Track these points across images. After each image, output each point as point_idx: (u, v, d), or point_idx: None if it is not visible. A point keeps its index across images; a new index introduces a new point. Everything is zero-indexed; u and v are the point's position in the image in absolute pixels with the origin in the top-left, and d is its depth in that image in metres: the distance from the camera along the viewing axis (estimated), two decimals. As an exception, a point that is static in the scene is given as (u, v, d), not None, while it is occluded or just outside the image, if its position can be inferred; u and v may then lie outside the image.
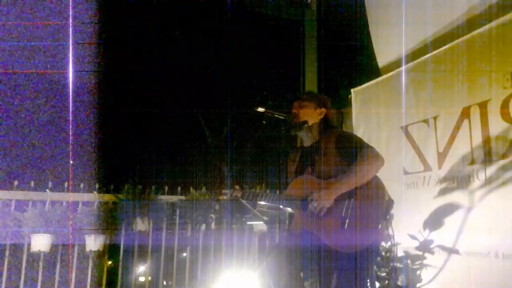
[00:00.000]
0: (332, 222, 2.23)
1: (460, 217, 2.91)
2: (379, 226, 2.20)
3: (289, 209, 2.46)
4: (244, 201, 2.56)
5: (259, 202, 2.48)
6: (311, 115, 2.49)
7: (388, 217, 2.28)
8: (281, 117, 2.50)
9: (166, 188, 4.02)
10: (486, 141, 2.80)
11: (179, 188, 4.05)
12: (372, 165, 2.21)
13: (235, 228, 3.96)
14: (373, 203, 2.20)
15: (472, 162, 2.89)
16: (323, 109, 2.52)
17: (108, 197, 3.73)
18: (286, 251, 2.42)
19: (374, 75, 4.09)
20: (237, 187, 2.53)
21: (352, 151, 2.27)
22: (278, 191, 2.45)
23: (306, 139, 2.52)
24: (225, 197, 2.54)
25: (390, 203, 2.25)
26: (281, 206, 2.45)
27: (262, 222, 3.79)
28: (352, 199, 2.21)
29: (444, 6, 3.42)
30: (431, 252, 3.09)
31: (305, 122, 2.46)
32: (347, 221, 2.19)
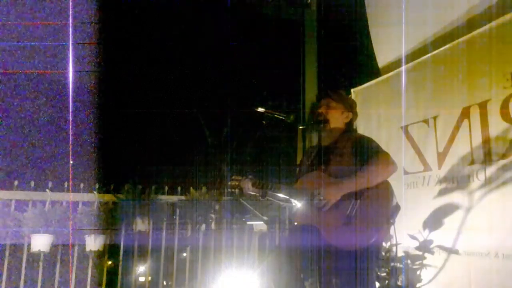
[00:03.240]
0: (336, 219, 2.23)
1: (460, 217, 2.91)
2: (382, 229, 2.20)
3: (297, 203, 2.43)
4: (244, 201, 2.56)
5: (271, 193, 2.46)
6: (338, 118, 2.48)
7: (393, 220, 2.29)
8: (281, 117, 2.49)
9: (166, 188, 4.02)
10: (486, 141, 2.80)
11: (179, 188, 4.05)
12: (383, 171, 2.23)
13: (235, 228, 3.96)
14: (379, 205, 2.20)
15: (472, 162, 2.89)
16: (350, 114, 2.51)
17: (108, 197, 3.73)
18: (286, 251, 2.42)
19: (374, 75, 4.09)
20: (250, 176, 2.50)
21: (367, 155, 2.27)
22: (287, 185, 2.44)
23: (326, 139, 2.50)
24: (236, 183, 2.51)
25: (396, 208, 2.25)
26: (289, 198, 2.43)
27: (262, 222, 3.79)
28: (359, 200, 2.21)
29: (444, 6, 3.42)
30: (431, 252, 3.09)
31: (328, 122, 2.44)
32: (351, 220, 2.19)
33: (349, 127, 2.52)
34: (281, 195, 2.43)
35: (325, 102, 2.50)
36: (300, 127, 2.50)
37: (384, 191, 2.23)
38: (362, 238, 2.17)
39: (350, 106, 2.54)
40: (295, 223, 2.46)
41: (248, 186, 2.47)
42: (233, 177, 2.53)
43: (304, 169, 2.54)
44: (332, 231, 2.23)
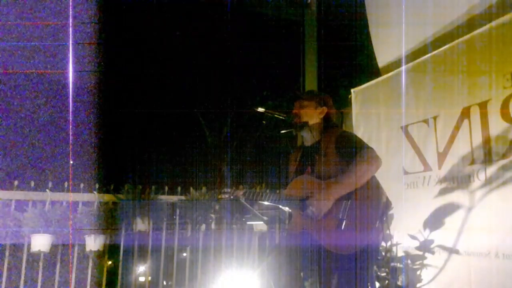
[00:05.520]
0: (329, 223, 2.23)
1: (460, 217, 2.91)
2: (377, 227, 2.20)
3: (287, 209, 2.46)
4: (244, 201, 2.56)
5: (259, 202, 2.48)
6: (312, 115, 2.49)
7: (385, 218, 2.28)
8: (281, 117, 2.50)
9: (166, 188, 4.02)
10: (486, 141, 2.80)
11: (179, 188, 4.05)
12: (369, 167, 2.21)
13: (235, 228, 3.96)
14: (371, 204, 2.20)
15: (472, 162, 2.89)
16: (324, 108, 2.52)
17: (108, 197, 3.73)
18: (286, 251, 2.42)
19: (374, 75, 4.09)
20: (240, 186, 2.53)
21: (352, 151, 2.27)
22: (278, 191, 2.45)
23: (307, 138, 2.52)
24: (226, 196, 2.54)
25: (387, 204, 2.25)
26: (280, 206, 2.45)
27: (262, 222, 3.79)
28: (350, 200, 2.21)
29: (444, 6, 3.42)
30: (431, 252, 3.09)
31: (306, 122, 2.47)
32: (344, 222, 2.19)
33: (328, 121, 2.52)
34: (271, 204, 2.44)
35: (298, 103, 2.52)
36: (282, 132, 2.51)
37: (373, 189, 2.22)
38: (357, 240, 2.17)
39: (323, 101, 2.54)
40: (289, 231, 2.47)
41: (239, 196, 2.49)
42: (224, 190, 2.55)
43: (292, 172, 2.55)
44: (326, 235, 2.23)
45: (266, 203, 2.45)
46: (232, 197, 2.52)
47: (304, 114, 2.48)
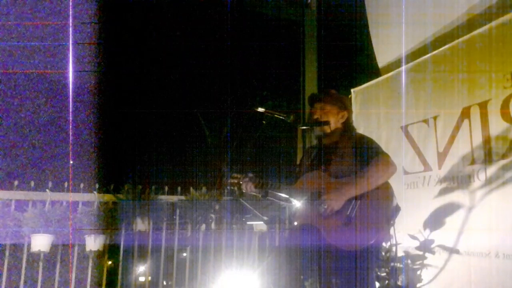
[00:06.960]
0: (337, 221, 2.23)
1: (461, 217, 2.91)
2: (382, 229, 2.21)
3: (297, 202, 2.44)
4: (244, 201, 2.56)
5: (271, 191, 2.47)
6: (334, 119, 2.48)
7: (392, 222, 2.30)
8: (281, 117, 2.49)
9: (166, 188, 4.01)
10: (486, 141, 2.80)
11: (179, 188, 4.05)
12: (384, 172, 2.24)
13: (235, 228, 3.95)
14: (380, 206, 2.20)
15: (472, 162, 2.89)
16: (345, 113, 2.51)
17: (108, 197, 3.72)
18: (286, 251, 2.42)
19: (374, 75, 4.09)
20: (251, 175, 2.49)
21: (368, 155, 2.27)
22: (287, 184, 2.45)
23: (325, 140, 2.50)
24: (236, 181, 2.51)
25: (396, 209, 2.26)
26: (290, 198, 2.44)
27: (262, 222, 3.79)
28: (359, 200, 2.21)
29: (444, 6, 3.42)
30: (431, 252, 3.09)
31: (327, 122, 2.45)
32: (351, 221, 2.20)
33: (347, 125, 2.52)
34: (281, 194, 2.44)
35: (319, 105, 2.50)
36: (301, 128, 2.49)
37: (384, 192, 2.24)
38: (362, 239, 2.17)
39: (344, 105, 2.54)
40: (295, 223, 2.47)
41: (249, 185, 2.46)
42: (233, 175, 2.52)
43: (304, 168, 2.54)
44: (332, 231, 2.24)
45: (282, 194, 2.44)
46: (241, 182, 2.49)
47: (325, 119, 2.46)
